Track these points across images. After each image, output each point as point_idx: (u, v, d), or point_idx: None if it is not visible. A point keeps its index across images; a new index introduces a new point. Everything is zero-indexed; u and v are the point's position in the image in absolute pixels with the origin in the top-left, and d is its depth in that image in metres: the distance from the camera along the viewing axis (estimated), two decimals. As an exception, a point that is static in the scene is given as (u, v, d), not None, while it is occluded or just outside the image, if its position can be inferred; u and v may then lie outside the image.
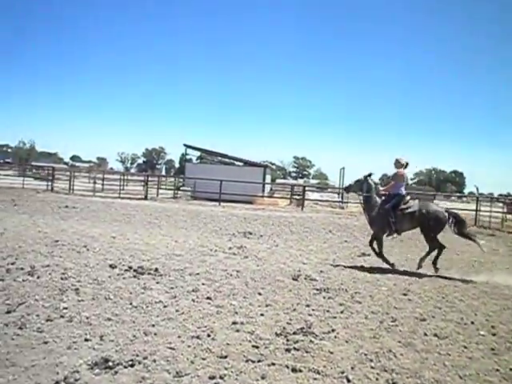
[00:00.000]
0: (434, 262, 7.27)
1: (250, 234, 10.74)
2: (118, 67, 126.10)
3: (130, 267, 6.01)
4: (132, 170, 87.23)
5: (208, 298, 4.89)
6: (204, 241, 9.30)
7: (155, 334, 3.66)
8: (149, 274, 5.80)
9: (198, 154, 31.42)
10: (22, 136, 76.73)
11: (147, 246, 8.03)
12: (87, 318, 3.95)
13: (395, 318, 4.57)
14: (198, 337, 3.67)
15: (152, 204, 17.97)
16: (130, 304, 4.45)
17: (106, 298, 4.61)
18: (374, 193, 7.80)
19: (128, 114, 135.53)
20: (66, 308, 4.16)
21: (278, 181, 56.12)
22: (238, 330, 3.91)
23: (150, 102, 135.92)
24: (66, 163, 79.60)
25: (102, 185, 23.80)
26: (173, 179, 32.06)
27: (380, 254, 7.59)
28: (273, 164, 65.26)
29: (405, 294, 5.69)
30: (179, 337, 3.65)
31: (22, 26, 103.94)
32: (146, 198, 19.82)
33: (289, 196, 26.05)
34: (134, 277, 5.60)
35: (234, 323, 4.07)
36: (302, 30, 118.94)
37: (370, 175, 8.00)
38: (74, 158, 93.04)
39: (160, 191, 22.58)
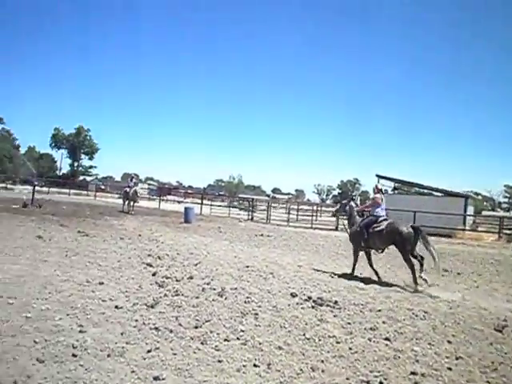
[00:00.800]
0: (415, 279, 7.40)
1: (446, 271, 9.52)
2: (303, 108, 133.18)
3: (310, 297, 5.98)
4: (327, 202, 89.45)
5: (386, 338, 4.43)
6: (391, 275, 8.67)
7: (322, 371, 3.48)
8: (327, 305, 5.65)
9: (393, 184, 30.22)
10: (232, 172, 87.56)
11: (331, 277, 7.93)
12: (260, 343, 4.04)
13: None
14: (368, 382, 3.33)
15: (342, 235, 17.85)
16: (303, 335, 4.38)
17: (281, 326, 4.65)
18: (354, 213, 8.94)
19: (324, 148, 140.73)
20: (243, 331, 4.36)
21: (484, 213, 49.04)
22: (416, 383, 3.39)
23: (341, 135, 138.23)
24: (267, 195, 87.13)
25: (297, 215, 25.05)
26: (365, 210, 31.40)
27: (353, 266, 8.59)
28: (478, 194, 57.68)
29: None
30: (347, 379, 3.38)
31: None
32: (336, 229, 19.91)
33: (497, 230, 22.33)
34: (312, 307, 5.53)
35: (413, 373, 3.55)
36: None
37: (352, 199, 9.46)
38: (274, 190, 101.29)
39: (351, 222, 22.39)
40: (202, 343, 3.93)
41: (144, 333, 4.08)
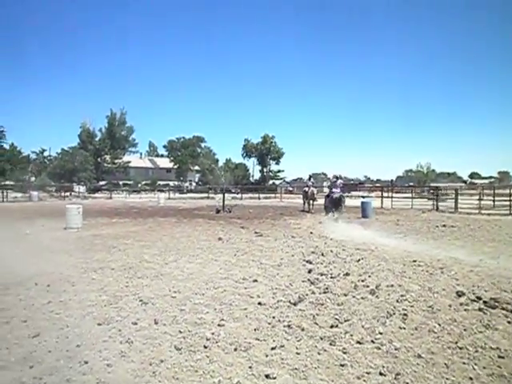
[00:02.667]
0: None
1: None
2: None
3: (480, 297, 5.02)
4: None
5: None
6: None
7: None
8: (502, 308, 4.64)
9: None
10: (419, 160, 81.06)
11: (519, 273, 6.53)
12: (396, 349, 3.58)
13: None
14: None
15: (552, 221, 14.67)
16: (455, 343, 3.69)
17: (431, 330, 4.03)
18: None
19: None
20: (381, 333, 3.94)
21: None
22: None
23: None
24: (464, 181, 77.94)
25: (493, 201, 21.60)
26: None
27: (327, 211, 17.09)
28: None
29: None
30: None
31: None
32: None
33: None
34: (480, 310, 4.62)
35: None
36: None
37: (338, 177, 17.39)
38: (472, 175, 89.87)
39: None
40: (330, 344, 3.71)
41: (276, 330, 4.09)
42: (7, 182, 46.03)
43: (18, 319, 4.39)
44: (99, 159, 57.21)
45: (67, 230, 12.71)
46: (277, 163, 72.79)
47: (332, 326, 4.16)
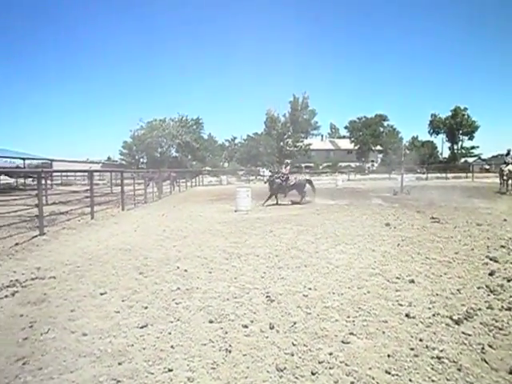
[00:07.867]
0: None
1: None
2: None
3: None
4: None
5: None
6: None
7: None
8: None
9: None
10: None
11: None
12: None
13: None
14: None
15: None
16: None
17: None
18: None
19: None
20: None
21: None
22: None
23: None
24: None
25: None
26: None
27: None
28: None
29: None
30: None
31: None
32: None
33: None
34: None
35: None
36: None
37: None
38: None
39: None
40: None
41: (418, 362, 2.93)
42: (207, 168, 52.35)
43: (139, 304, 4.32)
44: (282, 143, 59.82)
45: (237, 212, 13.17)
46: (470, 138, 64.06)
47: (511, 372, 2.79)
